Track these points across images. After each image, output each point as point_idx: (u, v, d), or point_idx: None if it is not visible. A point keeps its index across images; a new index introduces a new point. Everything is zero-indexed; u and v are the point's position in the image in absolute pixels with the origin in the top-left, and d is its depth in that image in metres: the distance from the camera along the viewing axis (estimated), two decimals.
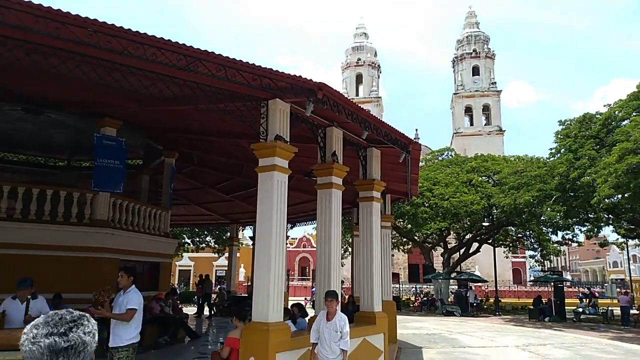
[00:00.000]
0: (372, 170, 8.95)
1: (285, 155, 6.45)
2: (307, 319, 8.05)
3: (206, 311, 21.51)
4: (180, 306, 15.23)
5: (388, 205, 13.99)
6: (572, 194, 20.29)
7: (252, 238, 21.01)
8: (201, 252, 40.75)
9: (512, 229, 30.78)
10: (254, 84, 5.70)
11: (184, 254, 44.85)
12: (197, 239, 35.94)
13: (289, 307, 8.07)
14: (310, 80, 5.90)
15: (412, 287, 43.96)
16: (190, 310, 23.07)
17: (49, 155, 15.85)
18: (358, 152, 8.89)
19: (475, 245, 31.89)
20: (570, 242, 30.00)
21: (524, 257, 56.28)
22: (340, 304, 16.01)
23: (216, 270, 49.85)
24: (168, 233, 14.01)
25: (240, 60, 5.35)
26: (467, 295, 26.84)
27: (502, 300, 33.30)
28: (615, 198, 19.43)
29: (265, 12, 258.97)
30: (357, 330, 8.03)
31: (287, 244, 21.97)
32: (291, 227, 21.50)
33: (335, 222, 7.56)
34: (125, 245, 11.58)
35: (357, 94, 67.36)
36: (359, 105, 7.43)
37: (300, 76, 5.82)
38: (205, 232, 34.29)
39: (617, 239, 29.75)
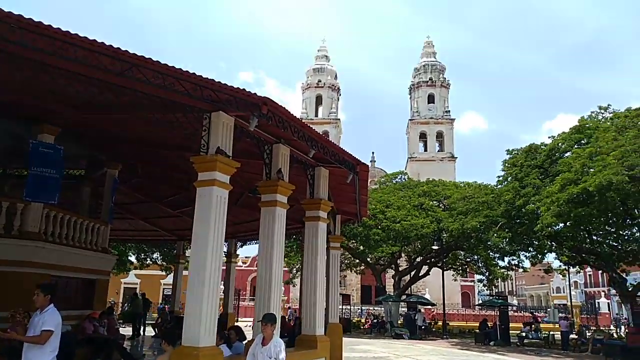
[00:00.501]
0: (319, 190, 8.82)
1: (226, 170, 6.22)
2: (245, 342, 7.70)
3: (148, 332, 20.52)
4: (116, 326, 14.40)
5: (338, 226, 13.89)
6: (517, 220, 20.93)
7: None
8: (149, 269, 39.18)
9: (461, 252, 31.45)
10: (194, 94, 5.48)
11: (130, 272, 42.96)
12: (143, 256, 34.60)
13: (226, 330, 7.69)
14: (255, 94, 5.74)
15: (363, 309, 43.79)
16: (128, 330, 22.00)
17: None
18: (306, 171, 8.76)
19: (425, 268, 32.31)
20: (516, 268, 30.90)
21: (473, 280, 57.58)
22: (286, 325, 15.57)
23: (164, 289, 48.17)
24: (106, 248, 13.29)
25: (180, 69, 5.12)
26: (416, 318, 27.00)
27: (450, 324, 33.76)
28: (558, 226, 20.20)
29: (228, 28, 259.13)
30: (297, 355, 7.77)
31: (237, 262, 21.41)
32: (241, 246, 21.08)
33: (277, 240, 7.35)
34: (58, 260, 10.85)
35: (316, 115, 67.94)
36: (316, 124, 7.36)
37: (244, 89, 5.65)
38: (153, 249, 33.04)
39: (560, 265, 30.97)
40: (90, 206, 14.20)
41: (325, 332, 12.03)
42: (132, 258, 35.88)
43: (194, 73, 5.19)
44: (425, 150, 64.83)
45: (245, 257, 57.22)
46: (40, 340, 5.15)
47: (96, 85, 5.54)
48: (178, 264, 21.32)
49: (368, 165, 8.97)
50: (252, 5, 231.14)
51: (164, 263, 34.46)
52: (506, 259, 27.33)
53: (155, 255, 34.42)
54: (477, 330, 25.26)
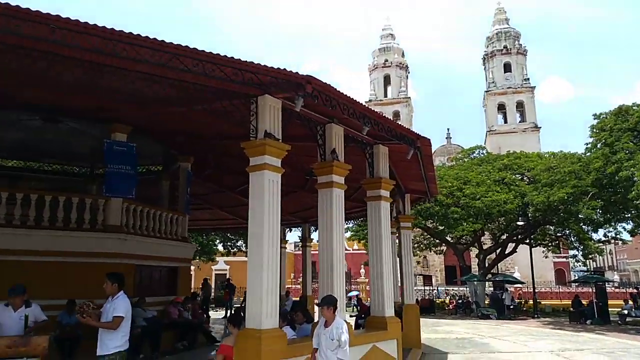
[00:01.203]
0: (379, 168, 8.55)
1: (277, 153, 6.17)
2: (312, 324, 7.70)
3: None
4: (200, 311, 15.16)
5: (407, 205, 13.52)
6: (609, 189, 19.10)
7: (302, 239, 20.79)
8: (237, 256, 40.95)
9: (550, 227, 29.43)
10: (236, 79, 5.45)
11: (219, 259, 45.19)
12: (229, 244, 36.18)
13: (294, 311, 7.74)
14: (297, 73, 5.60)
15: (439, 290, 42.66)
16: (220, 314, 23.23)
17: (72, 164, 16.17)
18: (364, 150, 8.51)
19: (511, 245, 30.68)
20: (614, 240, 28.40)
21: (567, 256, 53.92)
22: (362, 307, 15.46)
23: None
24: (186, 237, 13.98)
25: (218, 54, 5.10)
26: (504, 297, 25.78)
27: (542, 302, 31.88)
28: None
29: (295, 19, 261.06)
30: (366, 337, 7.66)
31: (312, 246, 21.64)
32: (315, 230, 21.25)
33: (337, 221, 7.22)
34: (140, 251, 11.58)
35: (385, 95, 66.60)
36: (386, 105, 7.13)
37: (285, 69, 5.53)
38: (237, 237, 34.42)
39: None
40: (169, 199, 15.01)
41: (402, 314, 11.83)
42: (219, 246, 37.73)
43: (232, 57, 5.15)
44: (505, 122, 61.28)
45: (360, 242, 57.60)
46: (113, 326, 5.44)
47: (142, 79, 5.68)
48: (305, 247, 21.18)
49: (429, 139, 8.53)
50: None
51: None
52: (601, 231, 25.14)
53: (239, 243, 35.82)
54: (572, 309, 23.58)
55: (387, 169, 8.70)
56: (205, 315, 20.54)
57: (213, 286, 46.21)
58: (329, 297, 5.90)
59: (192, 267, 45.76)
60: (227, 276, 51.81)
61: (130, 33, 4.66)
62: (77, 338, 9.54)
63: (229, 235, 34.13)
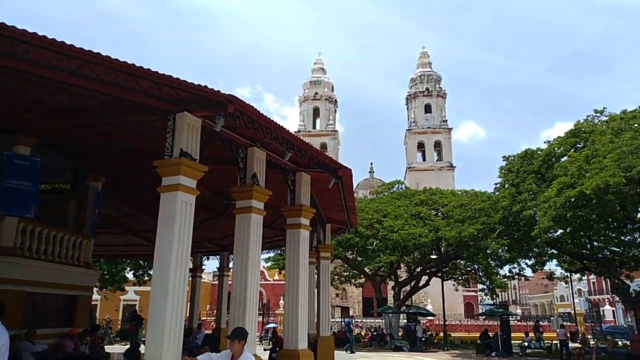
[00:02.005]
0: (300, 196, 8.47)
1: (192, 174, 5.88)
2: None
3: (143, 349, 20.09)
4: (101, 344, 13.94)
5: (328, 235, 13.54)
6: (514, 227, 20.48)
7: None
8: (148, 285, 38.62)
9: (461, 262, 30.91)
10: (152, 93, 5.15)
11: (128, 288, 42.38)
12: (140, 272, 34.14)
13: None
14: (219, 91, 5.42)
15: (363, 322, 43.04)
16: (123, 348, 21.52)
17: None
18: (286, 177, 8.42)
19: (425, 278, 31.76)
20: (517, 276, 30.34)
21: (476, 290, 56.85)
22: (277, 339, 15.03)
23: None
24: (89, 263, 12.90)
25: (134, 65, 4.80)
26: (416, 329, 26.41)
27: (452, 335, 33.07)
28: (557, 233, 19.76)
29: (227, 45, 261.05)
30: None
31: (202, 276, 20.95)
32: (207, 259, 20.87)
33: (253, 249, 6.98)
34: (34, 276, 10.47)
35: (314, 127, 67.80)
36: (314, 137, 7.06)
37: (206, 86, 5.34)
38: (148, 264, 32.56)
39: (562, 273, 30.40)
40: (75, 220, 13.86)
41: (316, 346, 11.63)
42: (129, 275, 35.42)
43: (149, 69, 4.88)
44: (424, 159, 64.56)
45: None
46: None
47: (48, 86, 5.21)
48: (222, 276, 20.08)
49: (350, 169, 8.62)
50: (251, 21, 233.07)
51: None
52: (506, 267, 26.84)
53: (151, 271, 33.89)
54: (479, 341, 24.64)
55: (308, 197, 8.64)
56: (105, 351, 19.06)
57: (120, 317, 43.26)
58: (239, 329, 5.60)
59: (99, 297, 42.66)
60: (138, 306, 48.75)
61: (35, 33, 4.25)
62: None
63: (140, 262, 32.23)
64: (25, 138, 9.90)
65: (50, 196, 14.33)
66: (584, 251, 21.54)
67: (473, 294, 59.61)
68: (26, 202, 10.02)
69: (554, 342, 22.89)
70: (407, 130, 66.00)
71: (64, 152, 11.84)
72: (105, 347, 16.56)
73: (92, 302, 20.16)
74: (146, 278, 34.29)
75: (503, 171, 22.86)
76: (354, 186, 12.98)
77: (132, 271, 34.47)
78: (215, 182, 11.46)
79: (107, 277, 31.48)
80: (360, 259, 28.20)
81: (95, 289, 26.58)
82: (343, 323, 37.50)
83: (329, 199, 10.84)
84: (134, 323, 22.36)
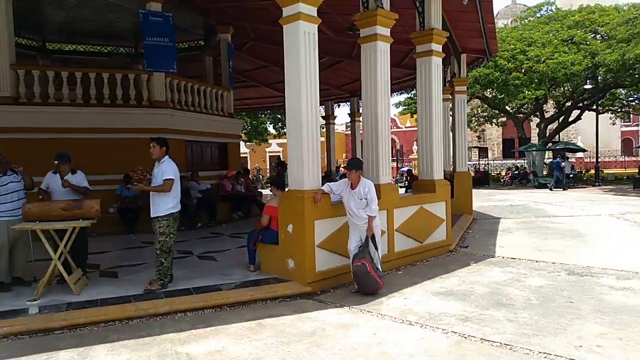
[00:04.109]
0: (430, 18, 7.63)
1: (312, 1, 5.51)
2: None
3: None
4: (254, 185, 15.59)
5: (464, 66, 12.48)
6: None
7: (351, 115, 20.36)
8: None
9: (622, 91, 27.00)
10: None
11: (271, 141, 45.99)
12: (280, 125, 36.36)
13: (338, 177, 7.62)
14: None
15: (503, 163, 41.67)
16: None
17: (117, 44, 16.00)
18: None
19: (575, 113, 28.74)
20: None
21: (637, 124, 50.54)
22: (412, 177, 15.34)
23: None
24: (232, 113, 13.90)
25: None
26: (563, 165, 24.80)
27: (605, 171, 30.60)
28: None
29: None
30: (412, 198, 7.49)
31: (335, 124, 21.32)
32: (338, 106, 20.98)
33: (382, 80, 6.66)
34: (189, 126, 11.66)
35: None
36: None
37: None
38: (284, 117, 34.37)
39: None
40: (213, 76, 14.74)
41: (453, 182, 11.54)
42: (270, 128, 38.11)
43: None
44: None
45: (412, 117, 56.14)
46: (165, 188, 5.52)
47: None
48: (354, 122, 20.34)
49: None
50: None
51: None
52: None
53: None
54: (638, 175, 22.40)
55: (439, 19, 7.76)
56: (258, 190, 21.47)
57: (268, 167, 47.96)
58: (354, 160, 5.78)
59: (247, 150, 47.14)
60: (281, 158, 53.37)
61: None
62: (137, 209, 10.11)
63: (278, 116, 34.12)
64: None
65: (188, 54, 15.27)
66: None
67: (634, 128, 53.11)
68: (168, 58, 10.75)
69: None
70: None
71: (192, 6, 12.12)
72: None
73: (242, 155, 22.27)
74: (284, 131, 36.63)
75: None
76: (494, 14, 11.32)
77: (272, 124, 36.92)
78: (337, 20, 10.92)
79: (249, 129, 34.18)
80: (501, 96, 26.13)
81: (243, 142, 29.24)
82: (480, 164, 36.87)
83: (464, 22, 9.71)
84: (279, 169, 24.46)
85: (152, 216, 5.63)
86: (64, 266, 5.45)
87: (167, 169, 5.62)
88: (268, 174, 43.57)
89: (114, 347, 4.11)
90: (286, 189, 6.18)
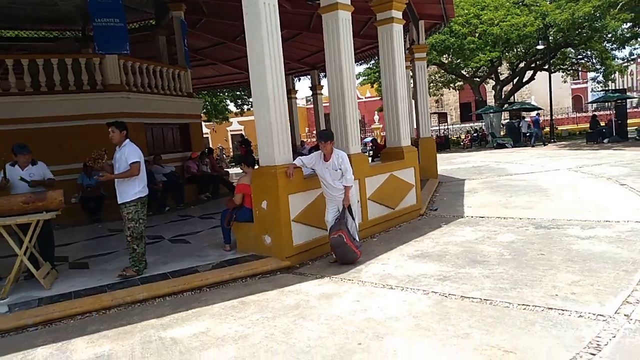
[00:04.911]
0: None
1: None
2: None
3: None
4: (219, 165, 15.37)
5: (422, 33, 12.51)
6: None
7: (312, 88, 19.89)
8: (249, 115, 40.92)
9: (571, 50, 27.86)
10: None
11: (232, 120, 45.19)
12: (240, 102, 35.71)
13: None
14: None
15: (461, 127, 42.56)
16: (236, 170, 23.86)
17: (64, 28, 15.16)
18: None
19: (529, 73, 29.51)
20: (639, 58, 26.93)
21: (586, 81, 52.42)
22: (378, 146, 15.46)
23: None
24: (191, 93, 13.51)
25: None
26: (520, 125, 25.56)
27: (559, 128, 31.73)
28: None
29: None
30: (382, 166, 7.54)
31: (297, 98, 20.97)
32: (324, 76, 20.45)
33: (345, 49, 6.58)
34: (146, 109, 11.27)
35: None
36: None
37: None
38: (246, 93, 33.78)
39: None
40: (168, 55, 14.21)
41: (418, 148, 11.69)
42: (231, 106, 37.38)
43: None
44: None
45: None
46: (133, 172, 5.34)
47: None
48: (315, 95, 20.09)
49: None
50: None
51: None
52: (626, 49, 23.72)
53: (251, 99, 35.33)
54: (589, 130, 23.35)
55: None
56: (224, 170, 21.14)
57: (230, 146, 47.28)
58: (324, 131, 5.73)
59: (208, 131, 46.19)
60: (244, 135, 52.60)
61: None
62: (100, 197, 9.78)
63: (238, 92, 33.49)
64: None
65: (140, 34, 14.64)
66: None
67: (582, 86, 55.11)
68: (120, 39, 10.30)
69: None
70: None
71: None
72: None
73: (203, 135, 21.83)
74: (245, 108, 36.03)
75: None
76: None
77: (232, 102, 36.21)
78: None
79: (208, 108, 33.41)
80: (457, 61, 26.52)
81: (203, 123, 28.62)
82: (442, 129, 37.45)
83: None
84: (243, 147, 24.12)
85: (119, 202, 5.45)
86: (30, 261, 5.23)
87: (131, 152, 5.43)
88: (231, 153, 43.00)
89: (93, 338, 4.00)
90: (256, 166, 6.10)
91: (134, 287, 5.09)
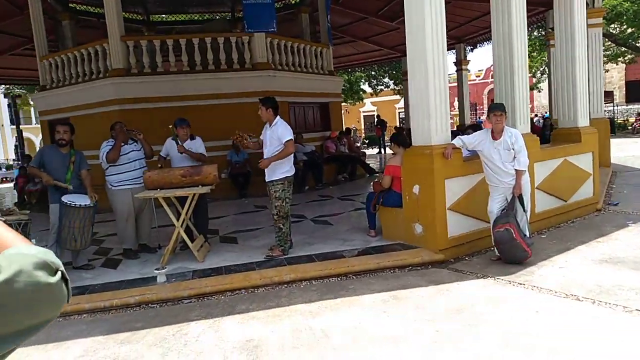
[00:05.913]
0: None
1: None
2: None
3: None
4: (357, 144, 15.09)
5: None
6: None
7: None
8: (383, 95, 40.26)
9: None
10: None
11: (365, 100, 44.94)
12: (375, 82, 35.19)
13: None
14: None
15: (628, 109, 36.77)
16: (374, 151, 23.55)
17: (213, 10, 16.04)
18: None
19: None
20: None
21: None
22: (534, 128, 13.86)
23: (399, 113, 49.42)
24: (332, 71, 13.30)
25: None
26: None
27: None
28: None
29: None
30: (554, 150, 6.44)
31: (471, 74, 19.20)
32: (471, 50, 18.90)
33: (517, 12, 5.63)
34: (291, 87, 11.30)
35: None
36: None
37: None
38: (382, 74, 33.15)
39: None
40: (311, 33, 14.19)
41: None
42: (365, 87, 37.08)
43: None
44: None
45: (479, 71, 53.02)
46: (290, 150, 5.20)
47: None
48: (460, 71, 18.59)
49: None
50: None
51: (395, 87, 34.52)
52: None
53: (386, 80, 34.65)
54: None
55: None
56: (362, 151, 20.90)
57: (362, 127, 47.11)
58: (497, 104, 4.82)
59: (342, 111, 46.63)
60: (376, 117, 52.10)
61: None
62: (247, 174, 10.08)
63: (373, 72, 32.96)
64: None
65: (284, 13, 14.83)
66: None
67: None
68: (267, 17, 10.37)
69: None
70: None
71: None
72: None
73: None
74: (380, 87, 35.35)
75: None
76: None
77: (367, 82, 35.84)
78: None
79: (347, 87, 33.44)
80: (631, 30, 22.62)
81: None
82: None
83: None
84: (379, 127, 23.74)
85: (267, 180, 5.33)
86: (186, 233, 5.38)
87: (283, 131, 5.25)
88: (363, 134, 42.83)
89: (244, 318, 3.88)
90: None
91: (282, 267, 4.95)
